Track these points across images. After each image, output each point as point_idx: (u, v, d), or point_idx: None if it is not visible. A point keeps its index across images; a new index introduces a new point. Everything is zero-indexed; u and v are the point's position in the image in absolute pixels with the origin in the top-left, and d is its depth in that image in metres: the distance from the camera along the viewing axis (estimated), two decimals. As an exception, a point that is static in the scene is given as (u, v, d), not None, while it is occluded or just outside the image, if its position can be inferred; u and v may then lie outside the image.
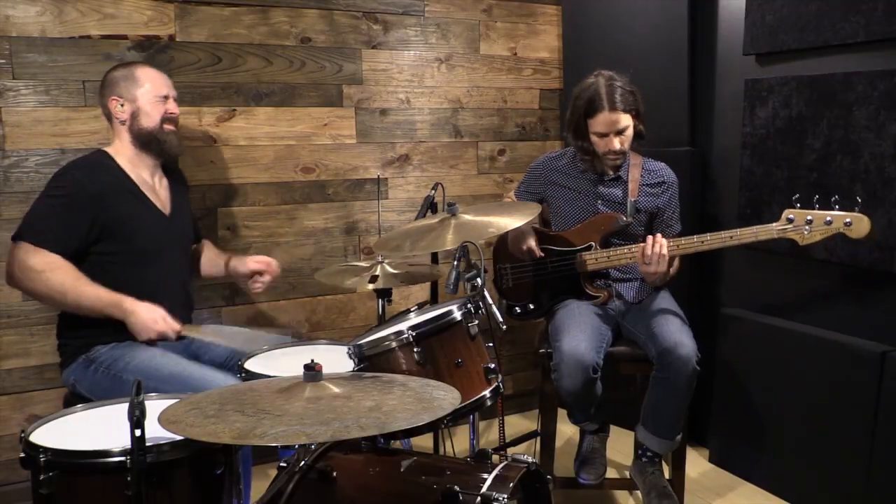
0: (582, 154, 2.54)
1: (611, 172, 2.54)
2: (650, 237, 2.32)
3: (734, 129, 2.86)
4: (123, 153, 2.26)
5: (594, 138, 2.45)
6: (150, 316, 2.08)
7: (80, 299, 2.06)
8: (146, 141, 2.25)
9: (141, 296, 2.13)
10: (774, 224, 2.25)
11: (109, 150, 2.26)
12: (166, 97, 2.28)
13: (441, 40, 3.19)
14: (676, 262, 2.52)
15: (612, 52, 3.12)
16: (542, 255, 2.54)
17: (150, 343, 2.15)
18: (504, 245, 2.68)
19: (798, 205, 2.21)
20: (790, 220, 2.23)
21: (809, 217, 2.20)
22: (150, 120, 2.24)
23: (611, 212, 2.52)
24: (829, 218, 2.17)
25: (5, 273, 2.09)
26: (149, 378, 2.01)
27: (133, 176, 2.24)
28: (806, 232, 2.21)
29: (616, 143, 2.42)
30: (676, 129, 3.02)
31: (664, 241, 2.30)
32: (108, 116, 2.27)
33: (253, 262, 2.44)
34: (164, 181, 2.36)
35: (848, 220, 2.15)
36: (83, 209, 2.10)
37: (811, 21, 2.50)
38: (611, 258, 2.44)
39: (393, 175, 3.16)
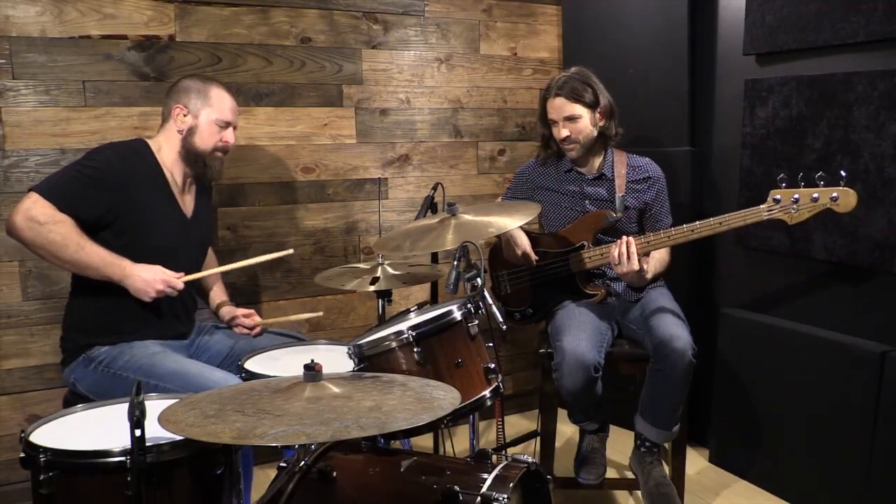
0: (541, 141, 2.63)
1: (569, 162, 2.59)
2: (618, 241, 2.34)
3: (734, 129, 2.86)
4: (165, 152, 2.25)
5: (552, 126, 2.54)
6: (148, 276, 2.08)
7: (80, 253, 2.02)
8: (192, 158, 2.26)
9: None
10: (762, 206, 2.23)
11: (151, 143, 2.26)
12: (227, 124, 2.28)
13: (441, 40, 3.19)
14: (666, 258, 2.53)
15: (612, 52, 3.12)
16: (537, 258, 2.55)
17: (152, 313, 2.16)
18: (500, 252, 2.69)
19: (783, 185, 2.20)
20: (777, 201, 2.21)
21: (796, 196, 2.18)
22: (203, 142, 2.25)
23: (599, 209, 2.54)
24: (815, 195, 2.16)
25: (7, 220, 2.04)
26: (148, 376, 2.02)
27: (166, 173, 2.24)
28: (794, 211, 2.19)
29: (563, 131, 2.48)
30: (676, 129, 3.02)
31: (632, 239, 2.32)
32: (166, 117, 2.27)
33: (241, 316, 2.41)
34: (194, 186, 2.35)
35: (834, 194, 2.14)
36: (106, 189, 2.09)
37: (811, 21, 2.50)
38: (604, 255, 2.45)
39: (393, 175, 3.16)
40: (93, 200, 2.07)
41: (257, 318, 2.41)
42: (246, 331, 2.39)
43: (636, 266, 2.30)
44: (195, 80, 2.28)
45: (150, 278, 2.07)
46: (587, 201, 2.57)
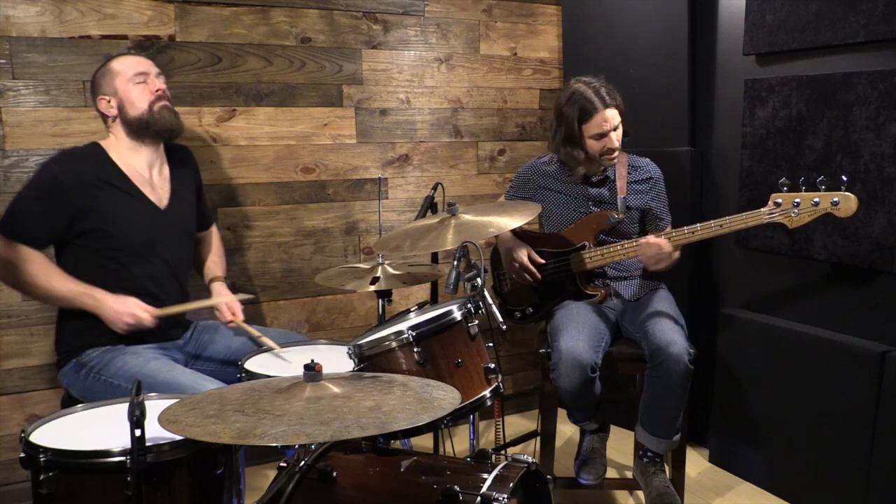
0: (573, 164, 2.54)
1: (599, 173, 2.57)
2: (646, 240, 2.35)
3: (734, 129, 2.86)
4: (118, 147, 2.23)
5: (591, 142, 2.48)
6: (118, 308, 2.07)
7: (50, 291, 2.06)
8: (140, 129, 2.21)
9: (130, 292, 2.12)
10: (763, 209, 2.25)
11: (103, 143, 2.24)
12: (144, 74, 2.22)
13: (441, 40, 3.19)
14: (676, 252, 2.54)
15: (612, 52, 3.12)
16: (539, 277, 2.54)
17: (136, 336, 2.13)
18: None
19: (784, 188, 2.21)
20: (778, 204, 2.22)
21: (797, 199, 2.19)
22: (138, 105, 2.20)
23: (602, 210, 2.54)
24: (816, 199, 2.17)
25: None
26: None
27: (125, 168, 2.21)
28: (794, 215, 2.21)
29: (615, 141, 2.46)
30: (676, 129, 3.02)
31: (662, 240, 2.35)
32: (103, 117, 2.26)
33: (223, 301, 2.35)
34: (166, 171, 2.32)
35: (835, 199, 2.15)
36: (58, 203, 2.08)
37: (811, 21, 2.50)
38: (605, 256, 2.46)
39: (393, 175, 3.16)
40: (48, 221, 2.08)
41: (239, 317, 2.34)
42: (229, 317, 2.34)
43: (669, 261, 2.37)
44: (98, 69, 2.26)
45: (121, 310, 2.07)
46: (590, 202, 2.57)
